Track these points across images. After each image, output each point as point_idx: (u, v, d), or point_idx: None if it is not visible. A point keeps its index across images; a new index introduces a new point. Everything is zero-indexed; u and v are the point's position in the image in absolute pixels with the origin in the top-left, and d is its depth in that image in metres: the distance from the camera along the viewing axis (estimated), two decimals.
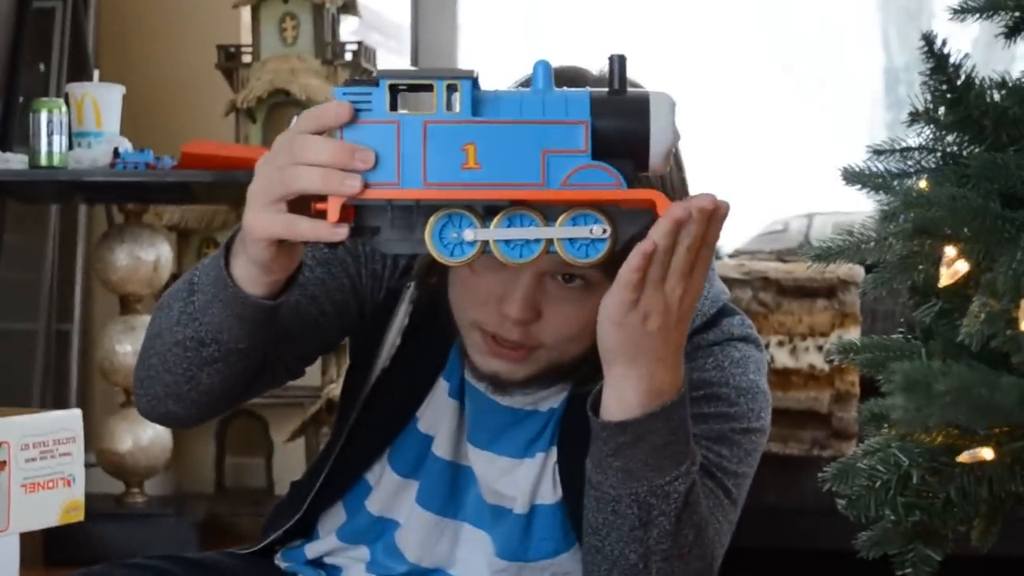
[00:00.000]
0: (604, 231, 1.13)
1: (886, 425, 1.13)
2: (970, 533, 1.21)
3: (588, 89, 1.15)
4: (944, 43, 1.09)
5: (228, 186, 3.03)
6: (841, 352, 1.27)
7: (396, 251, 1.18)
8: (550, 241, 1.14)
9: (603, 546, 1.33)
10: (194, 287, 1.32)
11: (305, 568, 1.58)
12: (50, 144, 2.95)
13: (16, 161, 3.05)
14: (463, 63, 4.11)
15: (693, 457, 1.31)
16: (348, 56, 3.49)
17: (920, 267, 1.16)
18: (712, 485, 1.42)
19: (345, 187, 1.13)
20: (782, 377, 2.72)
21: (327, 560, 1.57)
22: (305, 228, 1.16)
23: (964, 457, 1.03)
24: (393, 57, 4.59)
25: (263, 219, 1.19)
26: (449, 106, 1.13)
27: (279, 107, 3.47)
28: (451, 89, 1.12)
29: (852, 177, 1.19)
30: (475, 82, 1.14)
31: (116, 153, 3.02)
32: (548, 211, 1.14)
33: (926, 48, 1.10)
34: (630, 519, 1.30)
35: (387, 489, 1.52)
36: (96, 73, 3.31)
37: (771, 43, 5.28)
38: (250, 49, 3.53)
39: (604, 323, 1.22)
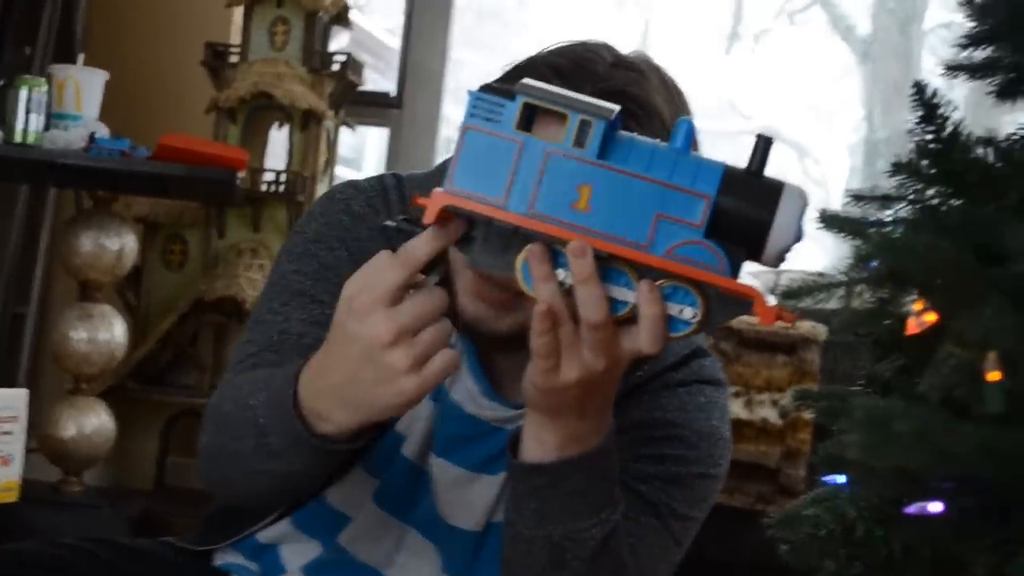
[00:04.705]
0: (694, 316, 1.09)
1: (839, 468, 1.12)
2: None
3: (724, 162, 1.10)
4: (935, 93, 1.09)
5: (200, 182, 3.01)
6: (798, 399, 1.26)
7: (483, 267, 1.14)
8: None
9: None
10: (264, 436, 1.29)
11: (241, 569, 1.55)
12: (27, 122, 2.94)
13: None
14: (448, 90, 4.11)
15: (614, 505, 1.29)
16: (336, 67, 3.49)
17: (886, 321, 1.16)
18: (657, 524, 1.41)
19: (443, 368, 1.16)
20: (735, 428, 2.70)
21: (280, 545, 1.55)
22: (438, 371, 1.17)
23: (911, 509, 1.02)
24: (378, 77, 4.59)
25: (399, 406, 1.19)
26: (579, 141, 1.08)
27: (261, 110, 3.47)
28: (584, 125, 1.08)
29: (829, 221, 1.18)
30: (613, 122, 1.09)
31: (92, 138, 3.00)
32: (648, 274, 1.09)
33: (916, 96, 1.09)
34: (542, 560, 1.28)
35: (350, 483, 1.50)
36: (81, 58, 3.29)
37: (754, 105, 5.31)
38: (238, 50, 3.53)
39: (526, 384, 1.20)
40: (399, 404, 1.17)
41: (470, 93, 1.12)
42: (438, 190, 1.11)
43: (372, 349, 1.15)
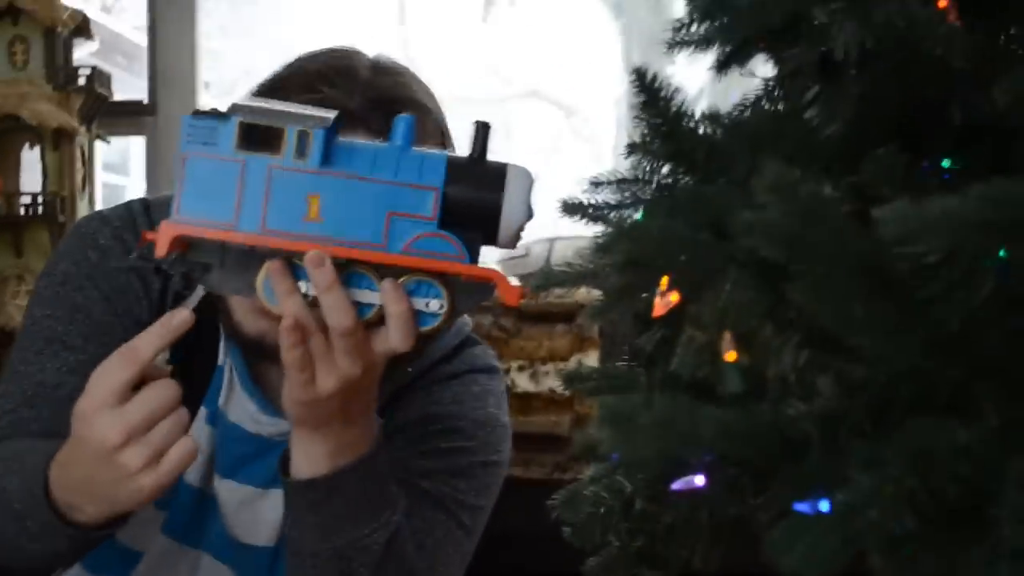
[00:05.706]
0: (441, 307, 1.11)
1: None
2: (694, 557, 1.22)
3: (446, 153, 1.12)
4: (655, 77, 1.11)
5: None
6: (569, 381, 1.28)
7: (225, 291, 1.14)
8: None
9: None
10: (22, 520, 1.26)
11: None
12: None
13: None
14: (202, 88, 4.04)
15: (393, 506, 1.30)
16: (82, 81, 3.41)
17: (643, 295, 1.18)
18: (444, 518, 1.42)
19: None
20: (523, 401, 2.74)
21: None
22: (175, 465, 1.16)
23: (677, 485, 1.04)
24: (134, 79, 4.49)
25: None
26: (300, 153, 1.08)
27: (8, 133, 3.38)
28: (303, 136, 1.08)
29: (571, 208, 1.20)
30: (332, 129, 1.10)
31: None
32: (388, 272, 1.11)
33: (637, 82, 1.11)
34: (329, 572, 1.29)
35: (137, 519, 1.47)
36: None
37: (515, 69, 5.34)
38: None
39: (287, 400, 1.20)
40: (140, 500, 1.17)
41: (183, 119, 1.11)
42: (166, 222, 1.10)
43: (103, 452, 1.13)
